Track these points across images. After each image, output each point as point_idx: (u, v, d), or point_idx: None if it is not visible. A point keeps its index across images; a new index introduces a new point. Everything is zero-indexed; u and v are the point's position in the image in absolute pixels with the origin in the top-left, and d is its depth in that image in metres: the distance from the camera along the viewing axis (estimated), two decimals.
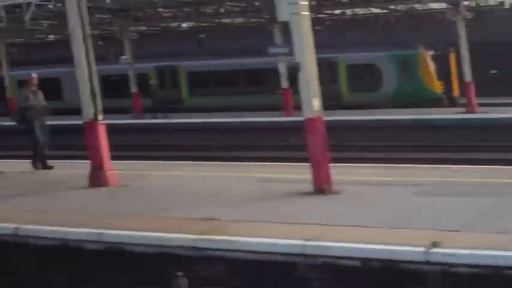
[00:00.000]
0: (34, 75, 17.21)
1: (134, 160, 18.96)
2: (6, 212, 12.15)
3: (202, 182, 14.11)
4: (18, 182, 15.50)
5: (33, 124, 16.72)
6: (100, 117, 14.15)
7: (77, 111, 31.95)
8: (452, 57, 36.08)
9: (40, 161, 16.83)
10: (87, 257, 10.41)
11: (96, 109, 14.07)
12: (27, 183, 15.25)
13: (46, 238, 10.77)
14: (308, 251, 8.84)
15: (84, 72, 14.02)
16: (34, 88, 17.06)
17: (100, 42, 40.41)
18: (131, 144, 28.04)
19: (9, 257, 11.10)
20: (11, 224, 11.17)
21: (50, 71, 41.53)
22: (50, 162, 16.87)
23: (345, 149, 23.70)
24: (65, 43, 39.65)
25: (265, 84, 39.49)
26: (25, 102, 16.87)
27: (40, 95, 17.03)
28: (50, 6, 33.95)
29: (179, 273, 9.55)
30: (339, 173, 12.59)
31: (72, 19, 14.06)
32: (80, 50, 14.02)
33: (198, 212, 11.04)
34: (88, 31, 14.13)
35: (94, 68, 14.07)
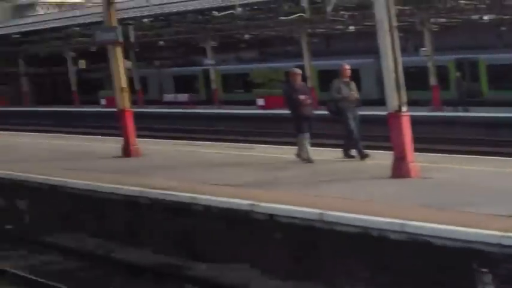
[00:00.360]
0: (347, 66, 16.94)
1: (431, 153, 18.85)
2: (313, 199, 12.59)
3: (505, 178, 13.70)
4: (324, 170, 15.84)
5: (346, 115, 16.62)
6: (404, 108, 14.14)
7: (369, 102, 32.19)
8: None
9: (359, 153, 16.80)
10: (390, 246, 10.53)
11: (400, 100, 14.08)
12: (332, 171, 15.57)
13: (349, 225, 11.04)
14: None
15: (390, 64, 14.05)
16: (346, 79, 16.93)
17: (400, 34, 40.50)
18: (428, 137, 27.88)
19: (315, 240, 11.55)
20: (317, 209, 11.58)
21: (349, 62, 42.20)
22: (352, 152, 17.02)
23: None
24: (362, 34, 40.39)
25: None
26: (337, 94, 16.73)
27: (353, 86, 16.90)
28: None
29: (484, 270, 9.39)
30: None
31: (379, 10, 14.13)
32: (386, 41, 14.07)
33: (502, 209, 10.72)
34: (394, 22, 14.19)
35: (399, 59, 14.06)
